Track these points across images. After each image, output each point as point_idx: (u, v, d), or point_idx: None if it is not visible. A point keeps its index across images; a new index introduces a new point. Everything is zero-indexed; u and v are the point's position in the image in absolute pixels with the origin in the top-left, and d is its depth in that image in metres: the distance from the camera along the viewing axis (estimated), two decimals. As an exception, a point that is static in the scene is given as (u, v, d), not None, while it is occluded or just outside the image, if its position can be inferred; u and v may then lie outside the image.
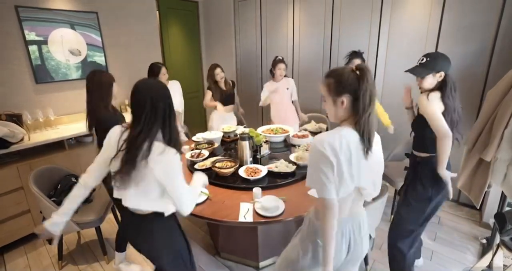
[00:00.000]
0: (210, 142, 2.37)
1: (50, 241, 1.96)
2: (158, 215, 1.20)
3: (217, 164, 1.91)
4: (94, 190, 2.21)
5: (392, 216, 2.20)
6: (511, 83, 1.62)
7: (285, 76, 2.89)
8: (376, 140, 1.06)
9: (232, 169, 1.84)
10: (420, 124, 1.51)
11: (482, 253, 2.06)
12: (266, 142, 2.19)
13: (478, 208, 2.10)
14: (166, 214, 1.20)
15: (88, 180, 1.22)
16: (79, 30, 2.90)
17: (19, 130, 2.23)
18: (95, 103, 1.71)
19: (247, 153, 1.98)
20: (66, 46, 2.82)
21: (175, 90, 2.94)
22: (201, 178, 1.40)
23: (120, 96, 2.57)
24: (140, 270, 1.95)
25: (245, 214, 1.47)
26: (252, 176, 1.79)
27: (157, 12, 3.80)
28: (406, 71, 1.53)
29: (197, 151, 2.16)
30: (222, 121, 3.00)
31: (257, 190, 1.59)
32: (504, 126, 1.61)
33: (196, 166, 1.95)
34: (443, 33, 2.46)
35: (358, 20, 2.92)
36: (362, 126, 0.97)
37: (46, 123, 2.65)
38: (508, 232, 1.61)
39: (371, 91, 0.95)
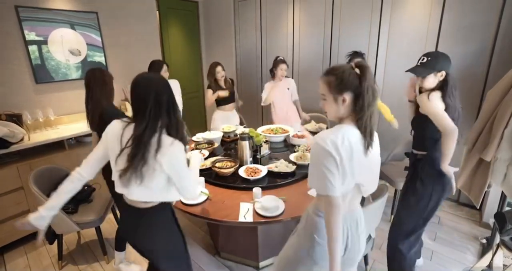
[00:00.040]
0: (210, 142, 2.37)
1: (50, 241, 1.98)
2: (157, 209, 1.21)
3: (217, 164, 1.91)
4: (94, 190, 2.25)
5: (392, 216, 2.20)
6: (511, 83, 1.62)
7: (285, 76, 2.89)
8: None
9: (232, 169, 1.84)
10: (420, 124, 1.51)
11: (482, 253, 2.06)
12: (266, 142, 2.19)
13: (478, 208, 2.10)
14: (173, 202, 1.21)
15: (82, 171, 1.17)
16: (79, 30, 2.90)
17: (19, 130, 2.23)
18: (97, 98, 1.71)
19: (247, 153, 1.98)
20: (66, 46, 2.82)
21: (175, 90, 2.88)
22: (197, 159, 1.40)
23: (119, 95, 2.57)
24: (140, 270, 1.96)
25: (245, 214, 1.48)
26: (252, 176, 1.79)
27: (157, 12, 3.79)
28: (407, 71, 1.51)
29: (197, 151, 2.16)
30: (226, 119, 2.99)
31: (257, 190, 1.59)
32: (504, 126, 1.61)
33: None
34: (443, 33, 2.46)
35: (358, 20, 2.92)
36: (365, 123, 0.97)
37: (46, 123, 2.65)
38: (508, 232, 1.61)
39: (373, 87, 0.96)
